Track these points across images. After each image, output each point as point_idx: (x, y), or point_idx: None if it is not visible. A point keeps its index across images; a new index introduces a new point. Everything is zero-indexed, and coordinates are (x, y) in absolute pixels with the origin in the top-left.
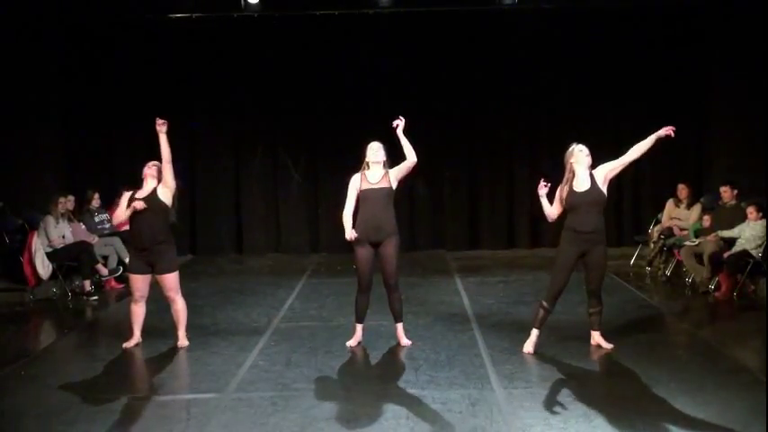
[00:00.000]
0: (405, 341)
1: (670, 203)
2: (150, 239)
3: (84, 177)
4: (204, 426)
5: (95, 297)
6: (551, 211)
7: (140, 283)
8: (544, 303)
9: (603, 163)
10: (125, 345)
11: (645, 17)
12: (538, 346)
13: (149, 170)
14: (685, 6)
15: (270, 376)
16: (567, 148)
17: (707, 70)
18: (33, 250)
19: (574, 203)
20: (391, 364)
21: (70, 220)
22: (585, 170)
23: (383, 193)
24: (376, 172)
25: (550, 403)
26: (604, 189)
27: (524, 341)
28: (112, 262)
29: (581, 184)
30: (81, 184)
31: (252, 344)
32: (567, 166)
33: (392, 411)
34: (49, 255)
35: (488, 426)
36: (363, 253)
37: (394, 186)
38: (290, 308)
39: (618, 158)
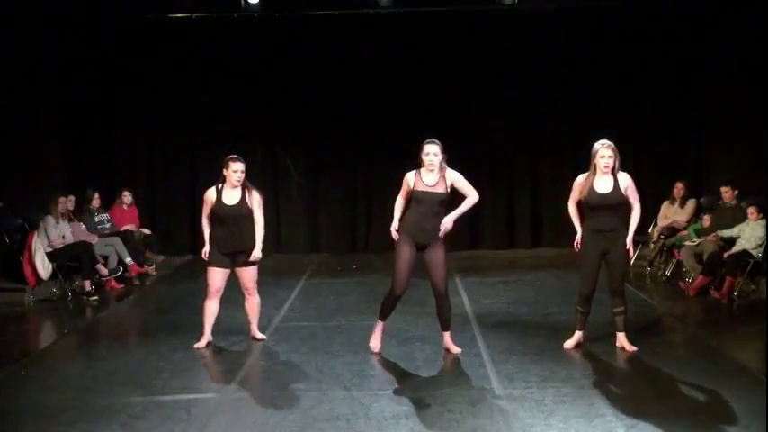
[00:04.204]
0: (455, 349)
1: (665, 204)
2: (239, 245)
3: (84, 177)
4: (204, 426)
5: (95, 297)
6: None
7: (219, 276)
8: (579, 308)
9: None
10: (196, 345)
11: (645, 17)
12: (577, 344)
13: (239, 175)
14: (685, 6)
15: (270, 376)
16: (569, 148)
17: (707, 70)
18: (33, 250)
19: (594, 203)
20: (391, 364)
21: (70, 220)
22: (607, 174)
23: (437, 198)
24: (431, 174)
25: (550, 403)
26: (625, 193)
27: (524, 341)
28: (112, 262)
29: (602, 185)
30: (81, 184)
31: (252, 344)
32: (592, 164)
33: (392, 411)
34: (49, 255)
35: (488, 426)
36: (406, 251)
37: (449, 191)
38: (290, 308)
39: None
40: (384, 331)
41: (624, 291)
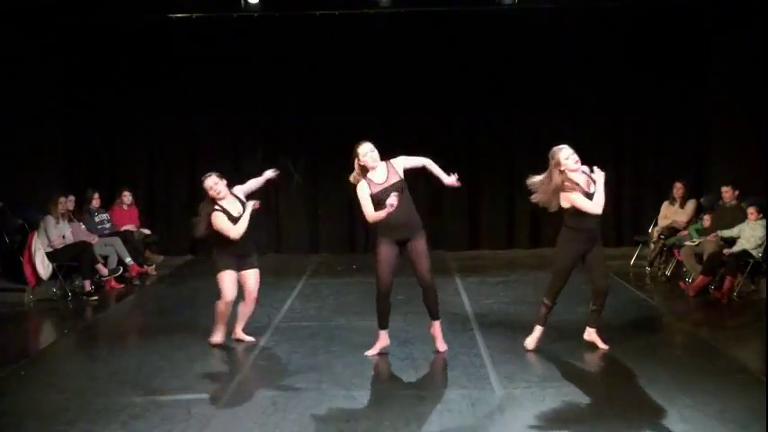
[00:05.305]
0: (442, 346)
1: (665, 204)
2: (249, 247)
3: (84, 177)
4: (204, 426)
5: (95, 297)
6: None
7: (232, 279)
8: (546, 301)
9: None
10: (212, 340)
11: (645, 17)
12: (540, 342)
13: (214, 191)
14: (685, 6)
15: (270, 376)
16: (572, 145)
17: (707, 70)
18: (33, 250)
19: None
20: (391, 364)
21: (70, 220)
22: (579, 173)
23: (395, 189)
24: (378, 171)
25: (550, 403)
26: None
27: (524, 341)
28: (112, 262)
29: (586, 185)
30: (81, 184)
31: (252, 344)
32: (561, 174)
33: (392, 411)
34: (49, 255)
35: (488, 426)
36: (388, 252)
37: (402, 176)
38: (290, 308)
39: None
40: (384, 346)
41: (607, 291)
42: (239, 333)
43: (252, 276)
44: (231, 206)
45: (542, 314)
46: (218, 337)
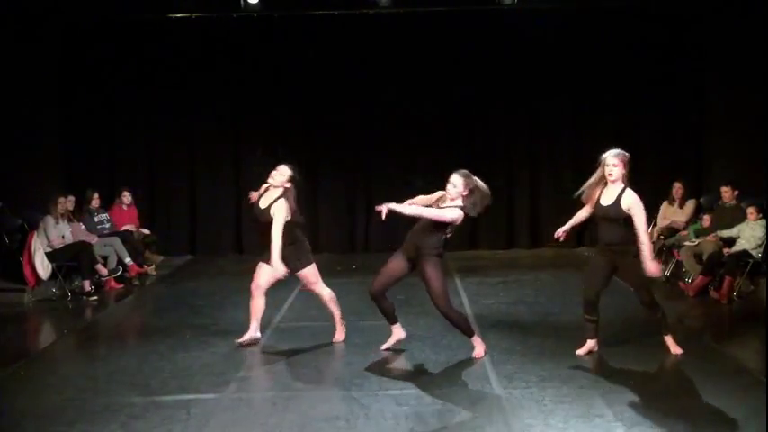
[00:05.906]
0: (478, 351)
1: (664, 204)
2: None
3: (84, 177)
4: (204, 426)
5: (95, 297)
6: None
7: (260, 270)
8: (586, 316)
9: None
10: (238, 340)
11: (644, 17)
12: (589, 351)
13: (273, 180)
14: (685, 6)
15: (270, 376)
16: (568, 148)
17: (706, 70)
18: (33, 250)
19: (597, 215)
20: (391, 364)
21: (70, 221)
22: (616, 186)
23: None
24: (448, 201)
25: (550, 403)
26: (624, 210)
27: (524, 341)
28: (112, 262)
29: (607, 197)
30: (81, 184)
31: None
32: (599, 172)
33: (392, 411)
34: (48, 255)
35: (488, 426)
36: (394, 258)
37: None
38: (290, 308)
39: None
40: (399, 339)
41: (653, 299)
42: (338, 331)
43: (304, 276)
44: (265, 197)
45: (589, 329)
46: (244, 336)
